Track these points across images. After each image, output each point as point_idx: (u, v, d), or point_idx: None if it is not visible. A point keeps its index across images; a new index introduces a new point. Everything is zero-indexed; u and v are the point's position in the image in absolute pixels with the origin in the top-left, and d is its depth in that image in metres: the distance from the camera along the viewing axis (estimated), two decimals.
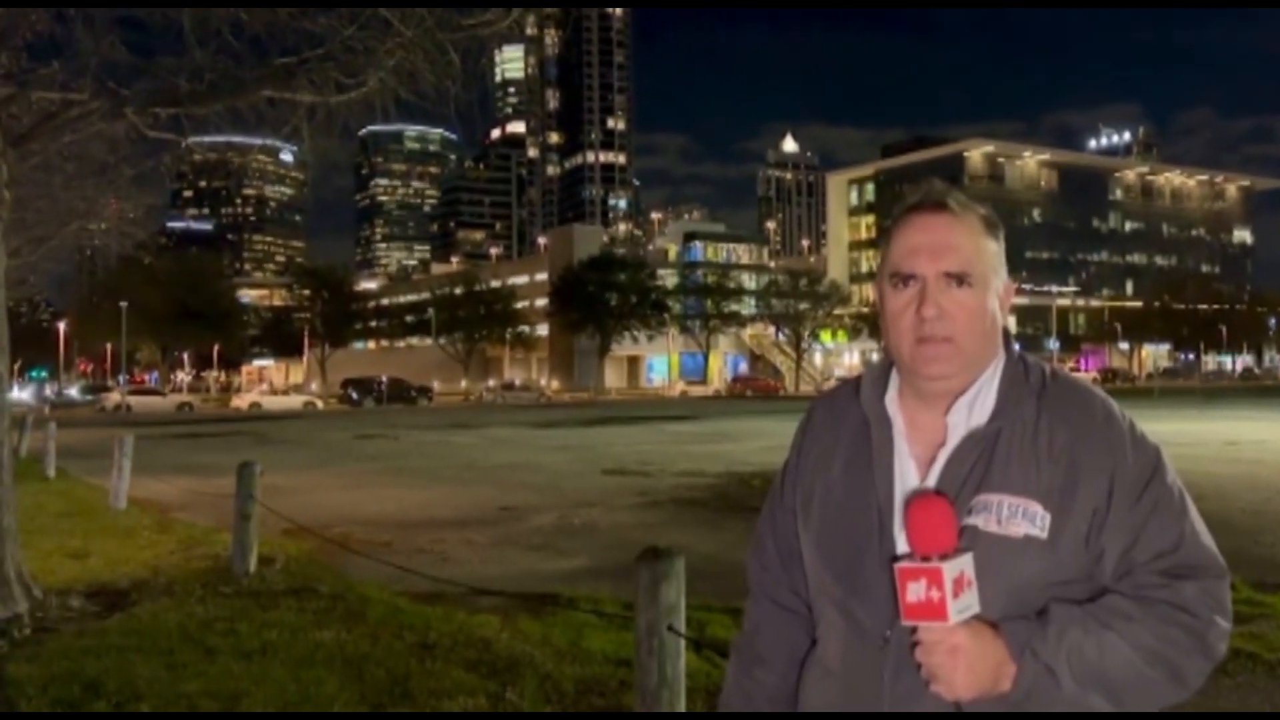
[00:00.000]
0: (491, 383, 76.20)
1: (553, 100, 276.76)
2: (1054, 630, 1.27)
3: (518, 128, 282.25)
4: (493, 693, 4.70)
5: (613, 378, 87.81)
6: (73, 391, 64.79)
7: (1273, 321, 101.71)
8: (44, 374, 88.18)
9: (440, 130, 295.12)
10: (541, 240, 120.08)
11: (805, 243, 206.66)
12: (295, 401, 57.19)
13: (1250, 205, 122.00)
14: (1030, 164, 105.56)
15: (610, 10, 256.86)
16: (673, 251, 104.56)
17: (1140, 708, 1.32)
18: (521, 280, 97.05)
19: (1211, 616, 1.31)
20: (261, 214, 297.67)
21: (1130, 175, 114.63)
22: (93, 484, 14.01)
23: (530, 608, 6.43)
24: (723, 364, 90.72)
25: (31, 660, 5.29)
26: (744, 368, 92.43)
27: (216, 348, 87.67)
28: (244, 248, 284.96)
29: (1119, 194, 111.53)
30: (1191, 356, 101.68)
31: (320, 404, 57.54)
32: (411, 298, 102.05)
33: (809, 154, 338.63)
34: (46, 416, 27.06)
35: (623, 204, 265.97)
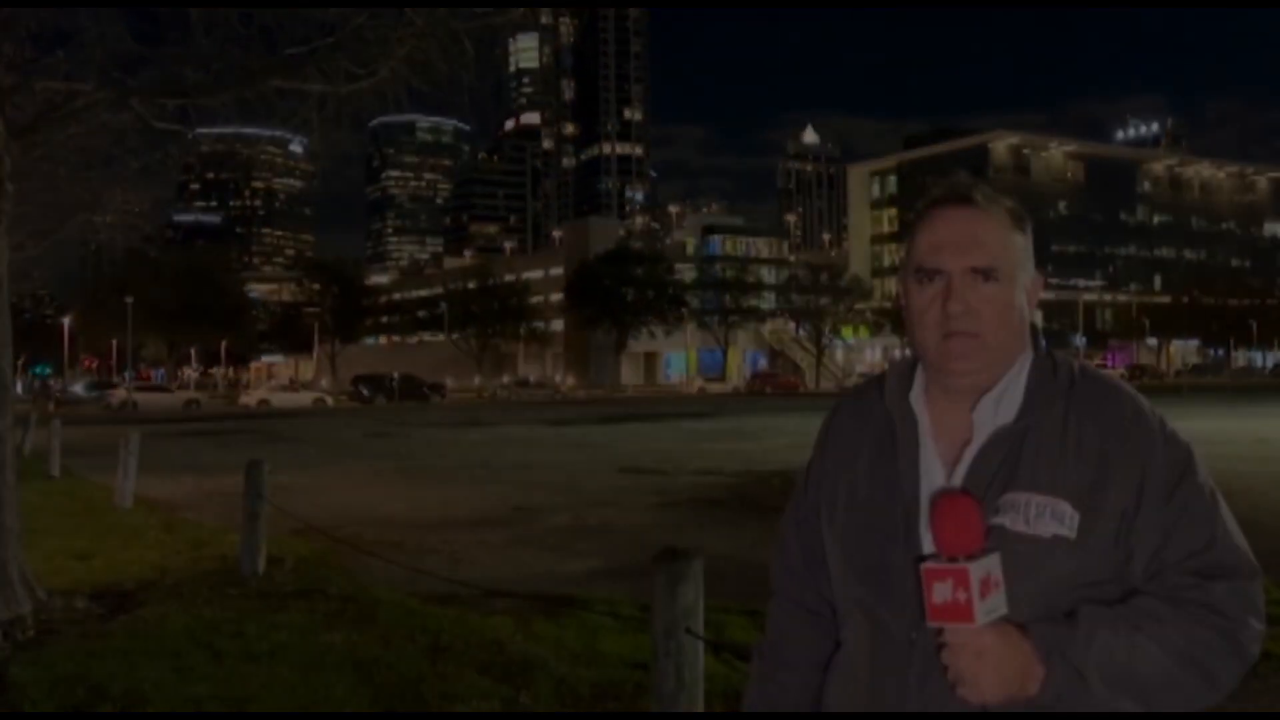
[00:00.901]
0: (505, 379, 76.40)
1: (568, 91, 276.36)
2: (1083, 632, 1.25)
3: (532, 119, 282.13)
4: (506, 696, 4.66)
5: (629, 374, 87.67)
6: (77, 388, 65.05)
7: None
8: (47, 370, 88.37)
9: (453, 121, 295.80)
10: (556, 234, 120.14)
11: (826, 236, 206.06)
12: (305, 398, 56.74)
13: None
14: (1056, 156, 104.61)
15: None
16: (691, 245, 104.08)
17: (1172, 710, 1.29)
18: (536, 274, 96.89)
19: (1244, 617, 1.29)
20: (270, 207, 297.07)
21: (1158, 167, 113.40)
22: (98, 483, 13.90)
23: (545, 609, 6.37)
24: (742, 360, 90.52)
25: (35, 663, 5.25)
26: (763, 364, 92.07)
27: (224, 343, 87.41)
28: (252, 241, 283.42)
29: (1147, 186, 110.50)
30: (1220, 352, 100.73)
31: (330, 401, 57.24)
32: (424, 292, 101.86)
33: (829, 145, 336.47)
34: (50, 414, 27.16)
35: (639, 197, 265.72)
